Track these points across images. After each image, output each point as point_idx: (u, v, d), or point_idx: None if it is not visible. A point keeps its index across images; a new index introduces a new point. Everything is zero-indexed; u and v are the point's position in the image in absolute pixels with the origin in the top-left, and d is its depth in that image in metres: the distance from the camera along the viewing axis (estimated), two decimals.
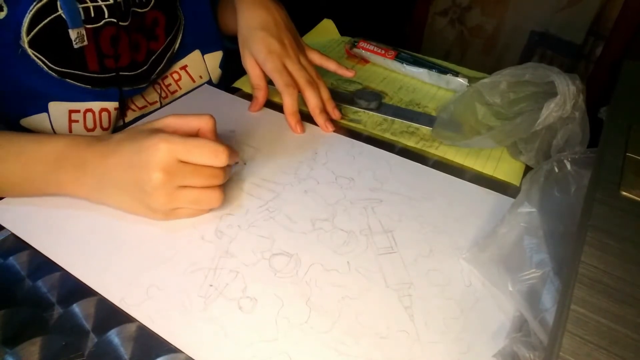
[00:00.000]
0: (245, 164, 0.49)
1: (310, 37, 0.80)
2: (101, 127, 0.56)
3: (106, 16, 0.50)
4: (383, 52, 0.72)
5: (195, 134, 0.42)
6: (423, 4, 1.53)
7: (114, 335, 0.34)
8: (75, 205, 0.43)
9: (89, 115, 0.54)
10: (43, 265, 0.38)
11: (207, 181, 0.40)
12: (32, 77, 0.49)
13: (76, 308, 0.35)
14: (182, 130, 0.41)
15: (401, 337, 0.35)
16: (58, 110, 0.52)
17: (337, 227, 0.43)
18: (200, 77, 0.66)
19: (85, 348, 0.33)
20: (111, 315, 0.35)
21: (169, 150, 0.37)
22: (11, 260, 0.39)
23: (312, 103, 0.55)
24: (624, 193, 0.33)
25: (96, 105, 0.54)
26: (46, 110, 0.52)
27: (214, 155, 0.39)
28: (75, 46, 0.49)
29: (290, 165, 0.50)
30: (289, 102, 0.54)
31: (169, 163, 0.38)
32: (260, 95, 0.58)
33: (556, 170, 0.42)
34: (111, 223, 0.42)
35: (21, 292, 0.36)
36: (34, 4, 0.46)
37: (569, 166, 0.42)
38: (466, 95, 0.56)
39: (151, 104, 0.62)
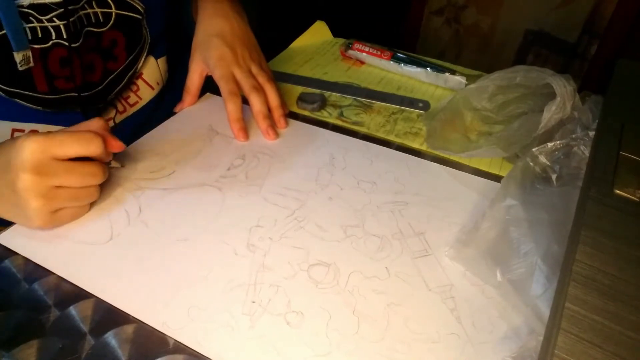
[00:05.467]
0: (123, 166, 0.47)
1: (303, 40, 0.79)
2: None
3: (53, 37, 0.47)
4: (379, 53, 0.72)
5: None
6: (418, 3, 1.54)
7: (111, 337, 0.33)
8: (94, 230, 0.41)
9: None
10: (39, 268, 0.38)
11: (84, 180, 0.39)
12: None
13: (73, 310, 0.35)
14: None
15: (452, 340, 0.35)
16: (2, 127, 0.49)
17: (368, 232, 0.43)
18: (158, 83, 0.64)
19: (82, 350, 0.32)
20: (108, 317, 0.35)
21: (39, 147, 0.35)
22: (7, 263, 0.38)
23: (256, 108, 0.54)
24: (618, 191, 0.34)
25: (42, 127, 0.51)
26: None
27: (88, 142, 0.38)
28: (20, 68, 0.47)
29: (310, 172, 0.49)
30: (231, 109, 0.53)
31: (39, 161, 0.36)
32: (187, 100, 0.59)
33: (531, 164, 0.43)
34: (136, 245, 0.40)
35: (17, 295, 0.36)
36: None
37: (543, 159, 0.43)
38: (453, 102, 0.57)
39: (108, 120, 0.58)
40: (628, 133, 0.41)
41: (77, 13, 0.48)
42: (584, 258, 0.29)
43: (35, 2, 0.45)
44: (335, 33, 0.82)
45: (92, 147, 0.38)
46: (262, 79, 0.57)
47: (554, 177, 0.43)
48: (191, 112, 0.58)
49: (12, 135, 0.50)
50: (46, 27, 0.47)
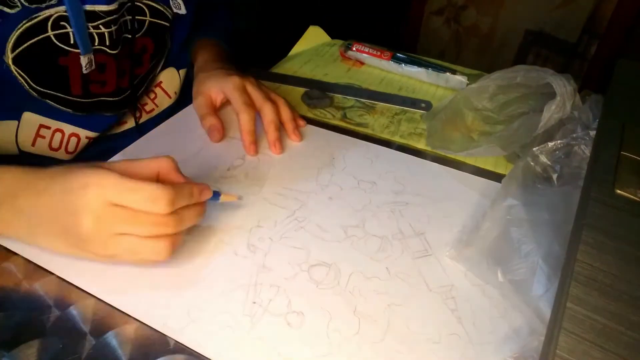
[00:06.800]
0: (241, 198, 0.44)
1: (300, 46, 0.79)
2: (66, 150, 0.54)
3: (96, 43, 0.49)
4: (379, 53, 0.72)
5: (155, 178, 0.37)
6: (418, 3, 1.54)
7: (111, 337, 0.33)
8: None
9: (57, 135, 0.53)
10: (39, 268, 0.37)
11: (148, 230, 0.34)
12: (13, 89, 0.48)
13: (73, 310, 0.35)
14: (139, 175, 0.35)
15: (453, 340, 0.35)
16: (30, 121, 0.51)
17: (369, 233, 0.43)
18: (175, 92, 0.66)
19: (82, 350, 0.32)
20: (108, 317, 0.34)
21: (99, 193, 0.33)
22: (7, 263, 0.38)
23: (268, 118, 0.52)
24: (619, 191, 0.34)
25: (68, 128, 0.53)
26: (18, 119, 0.50)
27: (151, 201, 0.33)
28: (85, 71, 0.49)
29: (310, 172, 0.49)
30: (245, 119, 0.51)
31: (99, 207, 0.33)
32: (216, 127, 0.53)
33: (532, 164, 0.43)
34: None
35: (17, 295, 0.36)
36: (24, 22, 0.45)
37: (543, 158, 0.43)
38: (454, 102, 0.57)
39: (123, 124, 0.61)
40: (629, 133, 0.41)
41: (119, 21, 0.50)
42: (585, 258, 0.29)
43: (87, 9, 0.47)
44: (336, 34, 0.82)
45: (155, 207, 0.33)
46: (274, 95, 0.56)
47: (554, 176, 0.43)
48: (191, 112, 0.58)
49: (38, 130, 0.51)
50: (91, 33, 0.48)
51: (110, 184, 0.33)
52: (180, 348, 0.33)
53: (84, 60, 0.48)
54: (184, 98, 0.66)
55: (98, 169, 0.34)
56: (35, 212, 0.35)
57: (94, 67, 0.50)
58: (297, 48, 0.79)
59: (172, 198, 0.34)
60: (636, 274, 0.28)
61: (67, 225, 0.34)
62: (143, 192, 0.33)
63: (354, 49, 0.73)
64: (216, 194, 0.40)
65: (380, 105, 0.64)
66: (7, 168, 0.37)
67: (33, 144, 0.52)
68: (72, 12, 0.45)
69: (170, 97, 0.65)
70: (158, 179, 0.37)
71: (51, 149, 0.53)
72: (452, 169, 0.51)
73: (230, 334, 0.34)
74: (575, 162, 0.43)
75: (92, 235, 0.33)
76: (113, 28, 0.50)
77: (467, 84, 0.66)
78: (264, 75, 0.68)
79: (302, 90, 0.66)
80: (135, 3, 0.53)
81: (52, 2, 0.45)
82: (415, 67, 0.69)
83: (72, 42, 0.48)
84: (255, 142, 0.52)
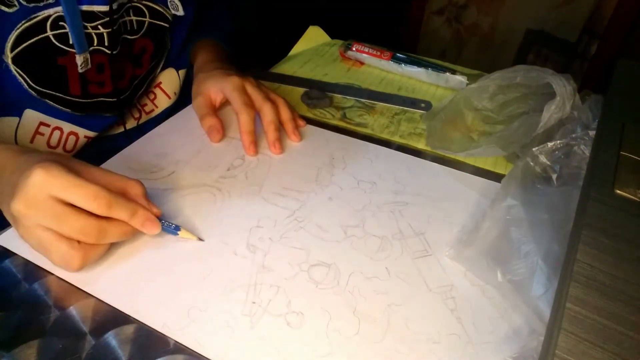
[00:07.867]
0: (201, 239, 0.40)
1: (299, 46, 0.79)
2: (64, 149, 0.55)
3: (95, 44, 0.50)
4: (378, 53, 0.72)
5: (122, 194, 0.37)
6: (419, 3, 1.54)
7: (111, 337, 0.33)
8: None
9: (56, 133, 0.53)
10: (39, 268, 0.38)
11: (71, 232, 0.33)
12: (13, 88, 0.48)
13: (73, 310, 0.35)
14: (100, 184, 0.35)
15: (453, 340, 0.35)
16: (31, 118, 0.51)
17: (368, 233, 0.43)
18: (175, 93, 0.66)
19: (82, 351, 0.32)
20: (108, 318, 0.34)
21: (42, 182, 0.32)
22: (7, 263, 0.38)
23: (268, 118, 0.52)
24: (618, 191, 0.34)
25: (67, 126, 0.54)
26: (20, 115, 0.51)
27: (92, 199, 0.33)
28: (81, 70, 0.49)
29: (310, 172, 0.49)
30: (245, 120, 0.51)
31: (35, 196, 0.33)
32: (215, 127, 0.53)
33: (532, 164, 0.43)
34: (135, 245, 0.40)
35: (17, 295, 0.36)
36: (23, 22, 0.45)
37: (543, 158, 0.43)
38: (454, 102, 0.57)
39: (122, 124, 0.61)
40: (628, 133, 0.41)
41: (118, 21, 0.50)
42: (585, 258, 0.29)
43: (85, 9, 0.47)
44: (335, 34, 0.82)
45: (93, 205, 0.33)
46: (273, 96, 0.56)
47: (554, 176, 0.43)
48: (191, 112, 0.58)
49: (37, 128, 0.52)
50: (90, 33, 0.49)
51: (57, 175, 0.33)
52: (180, 348, 0.33)
53: (79, 60, 0.48)
54: (184, 98, 0.66)
55: (54, 163, 0.34)
56: (5, 179, 0.36)
57: (89, 66, 0.50)
58: (297, 48, 0.79)
59: (112, 202, 0.34)
60: (636, 274, 0.28)
61: (7, 201, 0.34)
62: (87, 189, 0.33)
63: (354, 49, 0.73)
64: (176, 228, 0.39)
65: (380, 105, 0.64)
66: (7, 146, 0.39)
67: (31, 141, 0.52)
68: (67, 12, 0.45)
69: (169, 98, 0.65)
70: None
71: (49, 146, 0.53)
72: (452, 169, 0.51)
73: (230, 334, 0.34)
74: (574, 162, 0.43)
75: (19, 217, 0.34)
76: (113, 29, 0.50)
77: (467, 84, 0.66)
78: (264, 75, 0.69)
79: (302, 90, 0.66)
80: (135, 4, 0.53)
81: (50, 2, 0.45)
82: (415, 67, 0.69)
83: (71, 42, 0.48)
84: (255, 142, 0.51)
